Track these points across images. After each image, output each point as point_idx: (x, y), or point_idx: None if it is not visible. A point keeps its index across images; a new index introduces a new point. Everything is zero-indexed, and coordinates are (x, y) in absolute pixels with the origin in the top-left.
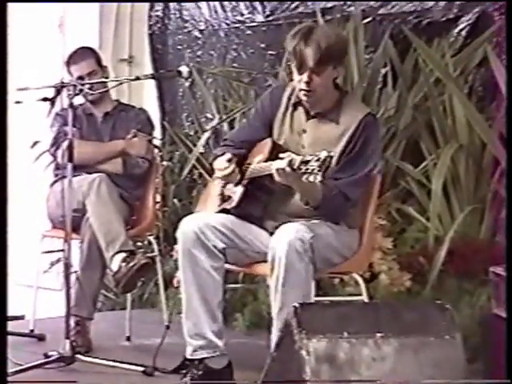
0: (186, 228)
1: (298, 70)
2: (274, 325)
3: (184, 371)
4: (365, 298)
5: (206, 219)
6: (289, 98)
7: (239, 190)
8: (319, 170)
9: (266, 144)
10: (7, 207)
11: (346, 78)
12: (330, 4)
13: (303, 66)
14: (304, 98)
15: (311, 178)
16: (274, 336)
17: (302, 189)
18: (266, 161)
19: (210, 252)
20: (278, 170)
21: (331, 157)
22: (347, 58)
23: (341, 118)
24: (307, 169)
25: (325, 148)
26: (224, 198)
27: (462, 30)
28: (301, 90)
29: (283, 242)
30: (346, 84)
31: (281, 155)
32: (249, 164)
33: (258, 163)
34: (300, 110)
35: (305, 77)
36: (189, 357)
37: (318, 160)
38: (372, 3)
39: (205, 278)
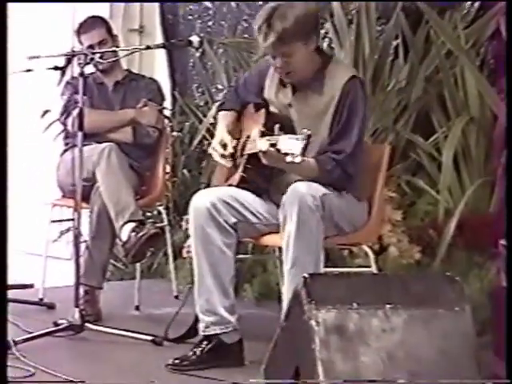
0: (198, 204)
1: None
2: (285, 284)
3: (190, 340)
4: (374, 269)
5: (217, 194)
6: (274, 74)
7: (241, 165)
8: (298, 151)
9: (262, 115)
10: (7, 177)
11: (358, 49)
12: None
13: (271, 53)
14: (285, 80)
15: (291, 159)
16: (285, 297)
17: (292, 169)
18: (262, 134)
19: (222, 228)
20: (261, 151)
21: (309, 136)
22: (359, 33)
23: (324, 88)
24: (289, 149)
25: (312, 121)
26: (232, 172)
27: (474, 2)
28: (280, 73)
29: (295, 196)
30: (358, 55)
31: (261, 140)
32: (248, 137)
33: (254, 137)
34: (287, 85)
35: (277, 62)
36: (201, 333)
37: (297, 140)
38: None
39: (217, 255)
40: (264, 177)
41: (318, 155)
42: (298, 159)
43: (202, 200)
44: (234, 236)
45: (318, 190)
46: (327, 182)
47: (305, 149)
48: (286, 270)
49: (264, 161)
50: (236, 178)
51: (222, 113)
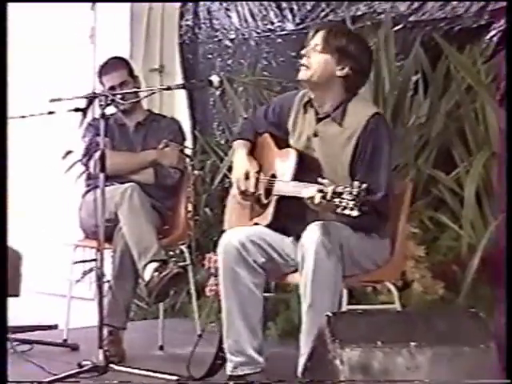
0: (227, 244)
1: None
2: (303, 325)
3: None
4: (398, 306)
5: (246, 233)
6: (300, 100)
7: (271, 206)
8: (355, 205)
9: (290, 155)
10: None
11: (378, 85)
12: (360, 11)
13: (307, 45)
14: (300, 75)
15: (347, 212)
16: (303, 336)
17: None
18: (294, 176)
19: (251, 268)
20: (309, 198)
21: (364, 190)
22: (378, 69)
23: (345, 119)
24: (340, 201)
25: (334, 152)
26: (254, 210)
27: (493, 36)
28: (300, 66)
29: (312, 238)
30: (378, 91)
31: (307, 187)
32: (273, 176)
33: (284, 178)
34: (310, 112)
35: (304, 50)
36: (229, 373)
37: (350, 193)
38: (402, 10)
39: (246, 295)
40: (296, 218)
41: None
42: (355, 213)
43: (230, 239)
44: (262, 276)
45: (336, 230)
46: (362, 227)
47: (361, 203)
48: (303, 311)
49: (311, 206)
50: (265, 218)
51: (239, 141)
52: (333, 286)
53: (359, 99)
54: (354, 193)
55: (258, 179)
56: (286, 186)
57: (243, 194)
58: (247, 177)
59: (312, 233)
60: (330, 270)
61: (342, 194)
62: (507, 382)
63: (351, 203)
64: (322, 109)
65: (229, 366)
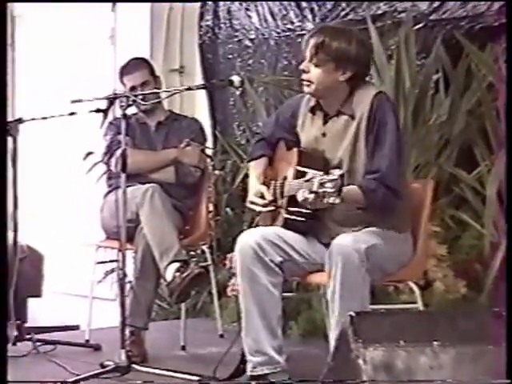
0: (243, 244)
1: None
2: (332, 336)
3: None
4: (420, 305)
5: (262, 233)
6: (307, 104)
7: (283, 208)
8: (333, 192)
9: (293, 155)
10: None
11: (399, 83)
12: (380, 10)
13: (305, 57)
14: (305, 90)
15: (330, 200)
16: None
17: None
18: (296, 175)
19: (268, 268)
20: (303, 201)
21: (342, 175)
22: (399, 67)
23: (353, 109)
24: (325, 191)
25: (346, 148)
26: (275, 214)
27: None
28: (301, 80)
29: (339, 253)
30: (399, 90)
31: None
32: (285, 178)
33: (290, 178)
34: (318, 114)
35: (302, 65)
36: (249, 373)
37: (331, 181)
38: (423, 8)
39: (264, 295)
40: (308, 216)
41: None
42: (335, 200)
43: (247, 240)
44: (280, 275)
45: (364, 242)
46: (375, 205)
47: (340, 189)
48: (332, 324)
49: (307, 206)
50: (280, 219)
51: (252, 163)
52: (360, 298)
53: (363, 87)
54: (334, 178)
55: (275, 186)
56: (290, 186)
57: (265, 206)
58: (262, 196)
59: (339, 247)
60: (358, 284)
61: (324, 183)
62: (507, 382)
63: (331, 190)
64: (332, 109)
65: (248, 366)
